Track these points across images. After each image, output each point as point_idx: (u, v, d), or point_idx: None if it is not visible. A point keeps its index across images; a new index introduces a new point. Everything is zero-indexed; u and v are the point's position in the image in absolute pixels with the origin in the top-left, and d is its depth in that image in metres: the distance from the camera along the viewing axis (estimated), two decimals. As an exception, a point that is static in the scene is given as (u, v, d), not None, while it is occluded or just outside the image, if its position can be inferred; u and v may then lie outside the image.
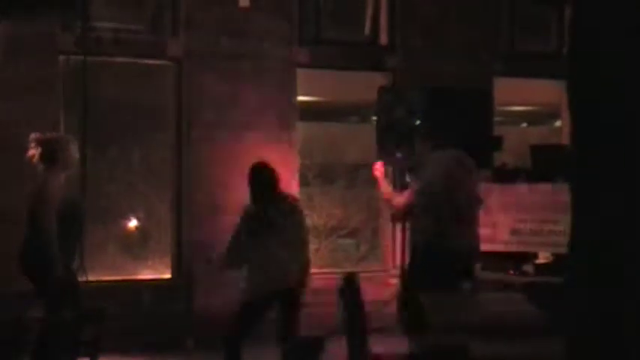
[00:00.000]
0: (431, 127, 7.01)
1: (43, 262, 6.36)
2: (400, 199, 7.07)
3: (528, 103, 11.48)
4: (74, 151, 6.68)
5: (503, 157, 9.70)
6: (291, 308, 6.88)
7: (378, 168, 7.34)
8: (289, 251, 6.78)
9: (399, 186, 9.73)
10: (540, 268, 9.02)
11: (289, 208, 6.91)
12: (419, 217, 6.80)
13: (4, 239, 8.21)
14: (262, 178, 6.95)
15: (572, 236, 3.43)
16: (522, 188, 9.03)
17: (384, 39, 10.20)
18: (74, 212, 6.64)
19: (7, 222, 8.26)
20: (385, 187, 7.32)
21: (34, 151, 6.55)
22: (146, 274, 9.25)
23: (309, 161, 10.00)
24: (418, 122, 7.13)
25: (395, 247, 10.00)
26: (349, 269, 8.73)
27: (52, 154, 6.51)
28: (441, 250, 6.52)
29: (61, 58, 8.79)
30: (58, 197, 6.45)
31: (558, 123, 11.34)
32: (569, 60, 3.58)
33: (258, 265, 6.79)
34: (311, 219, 9.12)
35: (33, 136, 6.61)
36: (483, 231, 8.80)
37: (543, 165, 9.29)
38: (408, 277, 6.81)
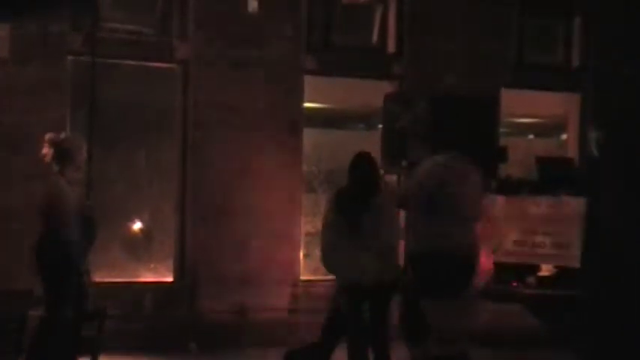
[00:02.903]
0: (432, 131, 6.99)
1: (58, 260, 6.44)
2: None
3: (535, 115, 11.47)
4: (85, 152, 6.82)
5: (509, 169, 9.69)
6: (382, 305, 6.82)
7: None
8: (382, 248, 6.74)
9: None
10: (542, 281, 9.00)
11: (384, 202, 6.84)
12: (410, 219, 6.78)
13: (10, 238, 8.25)
14: (367, 168, 6.88)
15: (584, 249, 3.40)
16: (527, 200, 9.01)
17: (391, 47, 10.21)
18: (88, 214, 6.74)
19: (13, 221, 8.30)
20: None
21: (47, 151, 6.66)
22: (148, 277, 9.25)
23: (315, 168, 10.01)
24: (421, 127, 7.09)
25: (400, 255, 9.99)
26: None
27: (65, 154, 6.65)
28: (430, 253, 6.49)
29: (70, 58, 8.82)
30: (71, 197, 6.57)
31: (565, 136, 11.34)
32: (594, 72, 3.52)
33: (350, 261, 6.73)
34: (315, 225, 9.13)
35: (47, 136, 6.75)
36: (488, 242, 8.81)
37: (549, 177, 9.27)
38: (408, 283, 6.77)
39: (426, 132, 7.24)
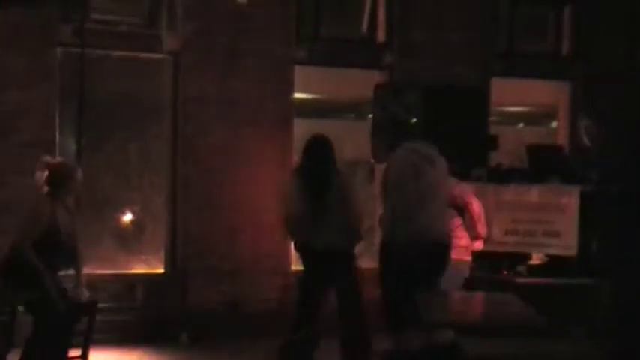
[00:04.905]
0: (422, 121, 7.04)
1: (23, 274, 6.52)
2: None
3: (525, 104, 11.49)
4: (78, 177, 6.88)
5: (499, 157, 9.70)
6: (345, 273, 7.03)
7: None
8: (331, 218, 6.98)
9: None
10: (533, 269, 9.02)
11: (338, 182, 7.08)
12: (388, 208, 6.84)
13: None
14: (320, 148, 7.17)
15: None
16: (517, 188, 9.04)
17: (381, 37, 10.20)
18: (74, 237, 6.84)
19: (2, 213, 8.28)
20: None
21: (40, 175, 6.74)
22: (140, 268, 9.25)
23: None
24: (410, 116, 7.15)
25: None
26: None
27: (58, 179, 6.72)
28: (398, 240, 6.53)
29: (59, 49, 8.79)
30: (63, 221, 6.65)
31: (555, 124, 11.35)
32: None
33: (306, 228, 7.07)
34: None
35: (42, 159, 6.83)
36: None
37: (539, 165, 9.30)
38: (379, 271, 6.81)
39: (414, 122, 7.26)
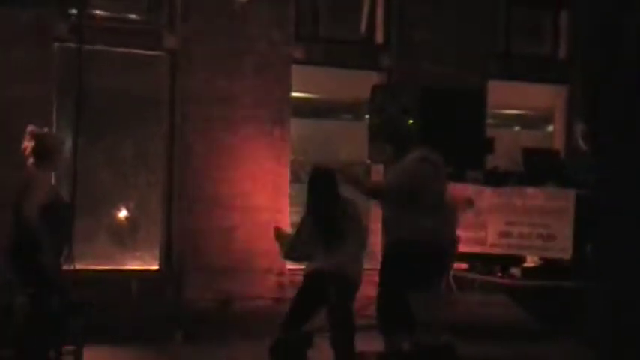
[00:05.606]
0: (419, 123, 7.07)
1: (28, 256, 6.39)
2: None
3: (522, 107, 11.51)
4: (65, 150, 6.73)
5: (496, 160, 9.73)
6: (341, 297, 6.95)
7: None
8: (342, 246, 6.94)
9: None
10: (528, 272, 9.04)
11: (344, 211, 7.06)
12: (388, 215, 6.86)
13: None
14: (323, 182, 7.07)
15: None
16: (513, 191, 9.05)
17: (379, 38, 10.22)
18: (62, 208, 6.69)
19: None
20: None
21: (27, 144, 6.59)
22: (134, 265, 9.25)
23: (302, 158, 10.02)
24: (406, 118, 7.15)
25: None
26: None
27: (44, 150, 6.57)
28: (408, 248, 6.57)
29: (56, 45, 8.79)
30: (45, 192, 6.49)
31: (551, 128, 11.38)
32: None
33: (314, 256, 7.02)
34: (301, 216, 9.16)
35: (30, 129, 6.66)
36: (473, 233, 8.86)
37: (535, 169, 9.32)
38: (380, 274, 6.83)
39: (411, 123, 7.27)
